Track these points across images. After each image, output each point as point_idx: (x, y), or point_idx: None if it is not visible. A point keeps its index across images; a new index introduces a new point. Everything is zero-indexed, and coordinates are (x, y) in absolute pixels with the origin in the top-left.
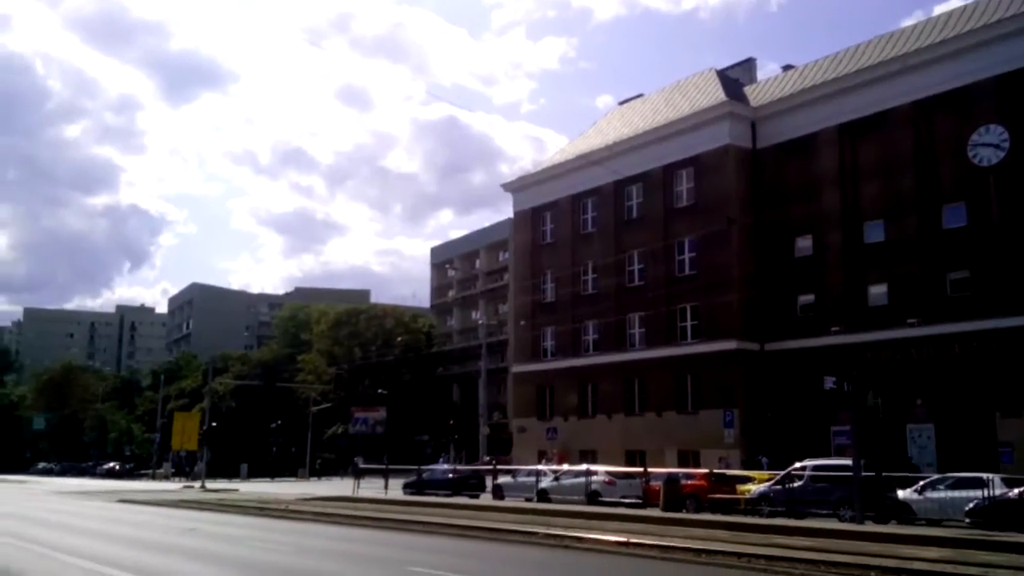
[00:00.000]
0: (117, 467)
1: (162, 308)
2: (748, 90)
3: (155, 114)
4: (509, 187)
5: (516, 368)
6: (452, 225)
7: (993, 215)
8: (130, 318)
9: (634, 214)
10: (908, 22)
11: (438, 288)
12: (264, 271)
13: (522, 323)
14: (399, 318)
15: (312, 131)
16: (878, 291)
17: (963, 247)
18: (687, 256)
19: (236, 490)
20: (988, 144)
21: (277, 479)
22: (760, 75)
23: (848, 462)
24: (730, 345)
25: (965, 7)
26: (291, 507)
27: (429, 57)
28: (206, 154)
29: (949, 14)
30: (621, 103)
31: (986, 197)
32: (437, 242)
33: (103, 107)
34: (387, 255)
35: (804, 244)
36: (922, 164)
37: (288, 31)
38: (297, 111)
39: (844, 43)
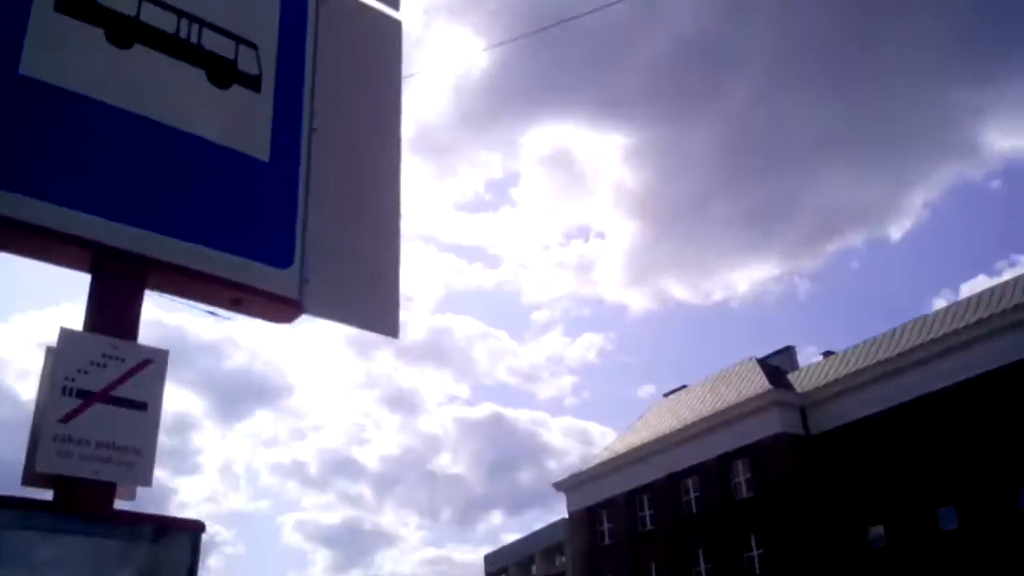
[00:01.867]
0: None
1: None
2: (792, 377)
3: (208, 433)
4: (561, 486)
5: None
6: (503, 527)
7: None
8: None
9: (693, 509)
10: (939, 302)
11: None
12: None
13: None
14: None
15: (360, 439)
16: None
17: None
18: (755, 553)
19: None
20: None
21: None
22: (800, 361)
23: None
24: None
25: (993, 289)
26: None
27: (472, 359)
28: (256, 469)
29: (979, 296)
30: (666, 395)
31: None
32: (488, 548)
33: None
34: (437, 564)
35: (876, 534)
36: (986, 444)
37: (335, 345)
38: (345, 420)
39: (874, 327)
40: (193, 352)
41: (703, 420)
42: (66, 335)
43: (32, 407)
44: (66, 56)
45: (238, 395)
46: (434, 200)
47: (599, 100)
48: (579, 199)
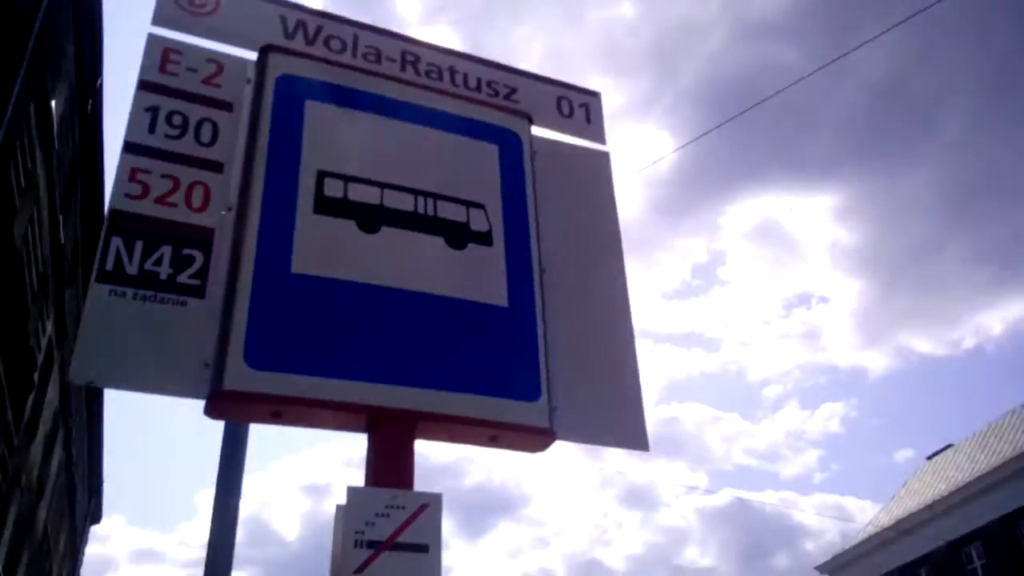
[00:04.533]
0: None
1: None
2: None
3: (455, 550)
4: (824, 569)
5: None
6: None
7: None
8: None
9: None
10: None
11: None
12: None
13: None
14: None
15: (603, 540)
16: None
17: None
18: None
19: None
20: None
21: None
22: None
23: None
24: None
25: None
26: None
27: (705, 446)
28: None
29: None
30: (929, 457)
31: None
32: None
33: None
34: None
35: None
36: None
37: (566, 450)
38: (585, 523)
39: None
40: (435, 475)
41: (980, 479)
42: (353, 492)
43: (296, 547)
44: (326, 250)
45: (480, 510)
46: (642, 293)
47: (798, 165)
48: (793, 267)
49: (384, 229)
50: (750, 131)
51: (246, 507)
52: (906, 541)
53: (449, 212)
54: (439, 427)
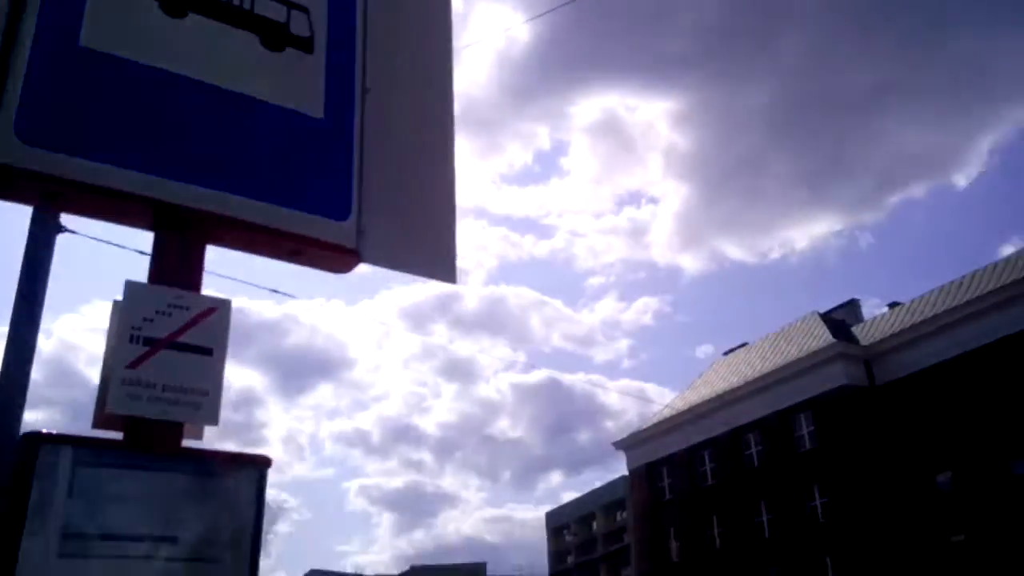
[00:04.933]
0: None
1: None
2: (856, 330)
3: (272, 408)
4: (621, 445)
5: None
6: (562, 487)
7: None
8: None
9: (755, 463)
10: (1007, 249)
11: (556, 554)
12: (378, 551)
13: None
14: None
15: (421, 407)
16: None
17: None
18: (818, 502)
19: None
20: None
21: None
22: (865, 313)
23: None
24: None
25: None
26: None
27: (527, 327)
28: (320, 440)
29: None
30: (726, 353)
31: None
32: (548, 506)
33: (224, 406)
34: (499, 523)
35: (944, 480)
36: None
37: (391, 318)
38: (405, 390)
39: (940, 277)
40: (255, 331)
41: (765, 375)
42: (132, 287)
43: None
44: (122, 27)
45: (300, 370)
46: (483, 175)
47: (646, 66)
48: (630, 166)
49: (192, 15)
50: (605, 27)
51: (51, 347)
52: (696, 425)
53: (268, 10)
54: (237, 234)
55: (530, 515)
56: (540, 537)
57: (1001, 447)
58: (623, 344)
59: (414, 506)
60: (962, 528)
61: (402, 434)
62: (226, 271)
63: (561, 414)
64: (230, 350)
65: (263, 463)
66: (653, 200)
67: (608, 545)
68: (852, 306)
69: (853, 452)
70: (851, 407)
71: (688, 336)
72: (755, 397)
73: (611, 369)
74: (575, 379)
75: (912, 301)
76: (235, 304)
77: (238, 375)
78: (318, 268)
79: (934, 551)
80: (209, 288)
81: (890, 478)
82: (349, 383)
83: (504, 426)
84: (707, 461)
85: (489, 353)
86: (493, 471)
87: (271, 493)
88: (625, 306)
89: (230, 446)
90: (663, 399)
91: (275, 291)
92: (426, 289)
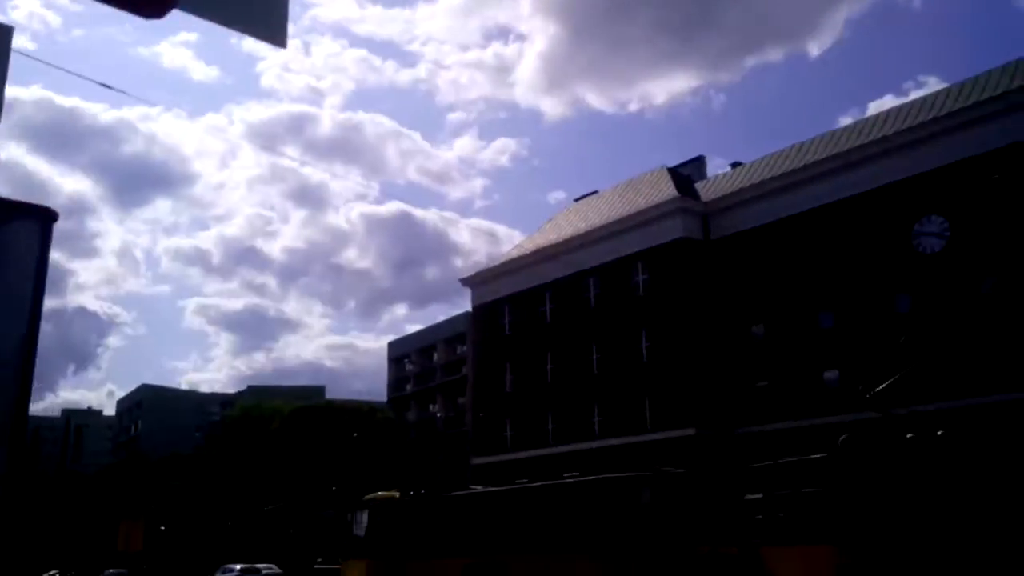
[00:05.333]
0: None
1: (109, 410)
2: (699, 186)
3: (106, 218)
4: (467, 282)
5: (476, 460)
6: (407, 319)
7: (936, 302)
8: (76, 421)
9: (592, 305)
10: (845, 120)
11: (395, 381)
12: (215, 370)
13: (481, 414)
14: (357, 412)
15: (266, 231)
16: (831, 376)
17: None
18: (644, 345)
19: None
20: (930, 233)
21: None
22: (709, 171)
23: None
24: (688, 432)
25: (900, 107)
26: None
27: (383, 158)
28: (156, 255)
29: (886, 113)
30: (576, 199)
31: (929, 285)
32: (391, 336)
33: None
34: (340, 350)
35: (758, 331)
36: (868, 254)
37: (241, 135)
38: (250, 212)
39: (784, 141)
40: (88, 135)
41: (610, 224)
42: None
43: None
44: None
45: (136, 182)
46: None
47: None
48: None
49: None
50: None
51: None
52: (541, 267)
53: None
54: None
55: (373, 345)
56: (381, 366)
57: (810, 302)
58: (478, 184)
59: (254, 329)
60: (768, 375)
61: (245, 256)
62: (63, 64)
63: (411, 248)
64: (59, 152)
65: (46, 214)
66: (521, 37)
67: (447, 375)
68: (699, 163)
69: (681, 301)
70: (684, 259)
71: (542, 181)
72: (599, 244)
73: (464, 207)
74: (427, 215)
75: (752, 163)
76: (66, 104)
77: (68, 181)
78: (129, 10)
79: (741, 394)
80: (36, 84)
81: (710, 326)
82: (189, 199)
83: (352, 256)
84: (547, 301)
85: (342, 180)
86: (338, 300)
87: (101, 304)
88: (483, 145)
89: (62, 256)
90: (512, 241)
91: (106, 86)
92: (278, 107)
